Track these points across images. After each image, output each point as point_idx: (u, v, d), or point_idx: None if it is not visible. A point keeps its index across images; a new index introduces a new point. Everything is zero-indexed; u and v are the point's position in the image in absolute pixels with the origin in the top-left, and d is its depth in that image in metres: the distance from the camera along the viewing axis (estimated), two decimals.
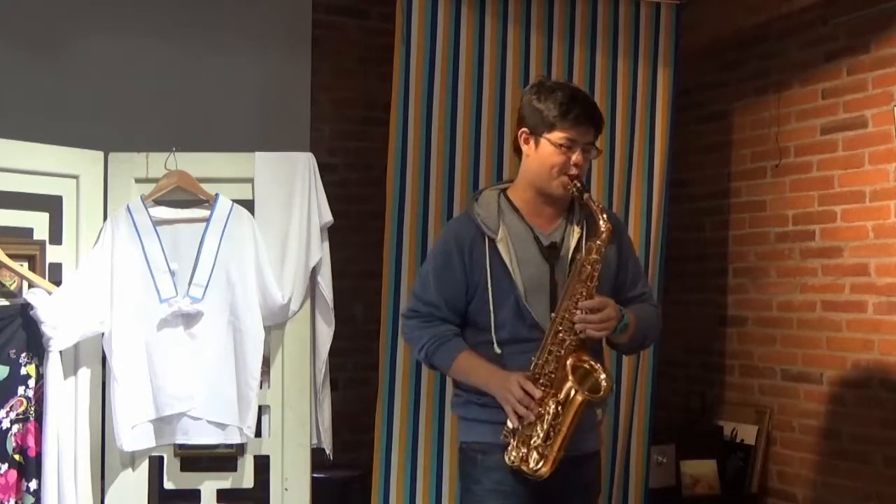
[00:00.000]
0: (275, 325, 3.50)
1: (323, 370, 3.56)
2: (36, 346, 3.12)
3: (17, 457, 3.09)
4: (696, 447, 4.31)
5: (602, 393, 2.56)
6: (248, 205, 3.50)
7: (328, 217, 3.55)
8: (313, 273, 3.51)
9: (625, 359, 3.90)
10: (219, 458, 3.54)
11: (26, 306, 3.09)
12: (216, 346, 3.38)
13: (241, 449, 3.48)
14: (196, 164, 3.47)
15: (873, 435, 3.80)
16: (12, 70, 3.97)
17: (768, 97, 4.28)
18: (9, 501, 3.05)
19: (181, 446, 3.44)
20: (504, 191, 2.77)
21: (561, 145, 2.61)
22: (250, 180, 3.52)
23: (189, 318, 3.35)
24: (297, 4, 4.63)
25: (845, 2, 3.87)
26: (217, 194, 3.44)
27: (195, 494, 3.47)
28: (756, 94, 4.37)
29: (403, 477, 3.70)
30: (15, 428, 3.08)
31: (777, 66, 4.25)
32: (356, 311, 4.49)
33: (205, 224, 3.40)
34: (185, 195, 3.45)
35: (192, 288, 3.35)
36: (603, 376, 2.57)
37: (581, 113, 2.63)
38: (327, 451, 3.63)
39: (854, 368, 3.89)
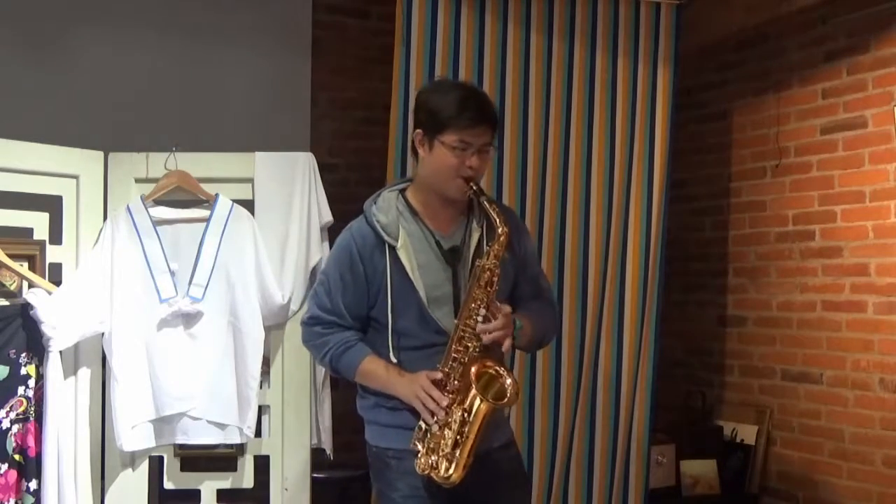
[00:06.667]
0: (275, 325, 3.50)
1: (323, 370, 3.56)
2: (36, 346, 3.12)
3: (17, 457, 3.08)
4: (696, 447, 4.31)
5: (507, 399, 2.52)
6: (248, 205, 3.50)
7: (328, 217, 3.55)
8: (313, 273, 3.51)
9: (625, 359, 3.91)
10: (219, 458, 3.53)
11: (26, 306, 3.08)
12: (216, 346, 3.38)
13: (240, 449, 3.48)
14: (196, 164, 3.46)
15: (873, 435, 3.80)
16: (12, 70, 3.97)
17: (768, 97, 4.28)
18: (9, 501, 3.05)
19: (181, 446, 3.44)
20: (403, 191, 2.70)
21: (454, 147, 2.55)
22: (250, 180, 3.52)
23: (189, 319, 3.35)
24: (297, 4, 4.63)
25: (845, 2, 3.87)
26: (217, 194, 3.44)
27: (195, 494, 3.47)
28: (756, 94, 4.37)
29: None
30: (15, 428, 3.08)
31: (777, 66, 4.25)
32: None
33: (205, 224, 3.39)
34: (186, 195, 3.45)
35: (192, 288, 3.35)
36: (509, 381, 2.53)
37: (475, 115, 2.55)
38: (327, 451, 3.63)
39: (854, 368, 3.89)
